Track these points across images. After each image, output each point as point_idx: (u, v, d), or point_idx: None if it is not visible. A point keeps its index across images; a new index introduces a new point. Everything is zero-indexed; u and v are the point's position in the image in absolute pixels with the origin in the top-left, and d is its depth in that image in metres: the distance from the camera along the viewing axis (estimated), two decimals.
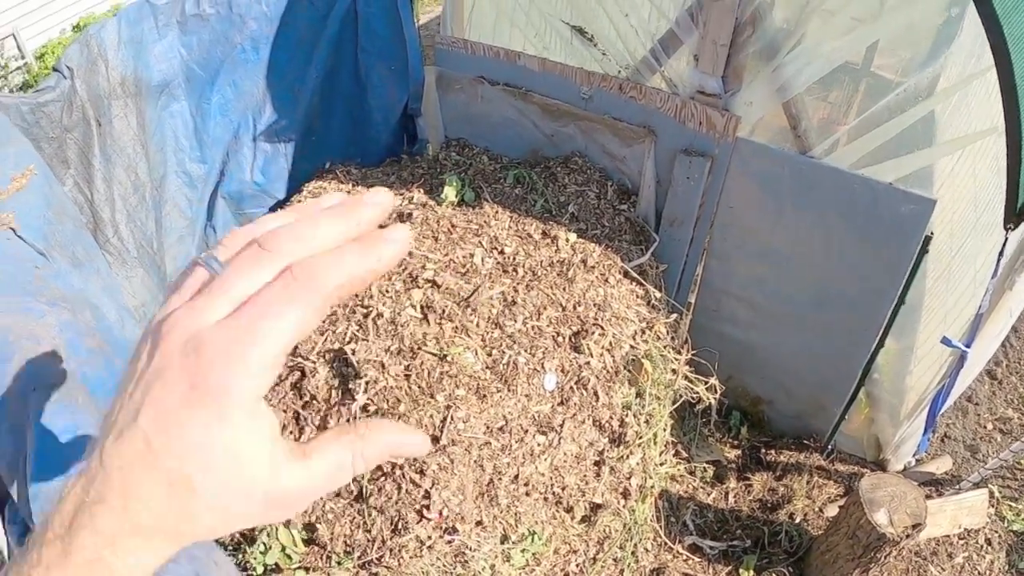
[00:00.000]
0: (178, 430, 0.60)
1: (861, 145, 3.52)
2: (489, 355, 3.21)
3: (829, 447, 4.23)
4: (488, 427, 3.08)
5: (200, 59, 4.30)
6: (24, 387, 2.10)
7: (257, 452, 0.63)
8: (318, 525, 3.19)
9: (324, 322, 3.42)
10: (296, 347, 3.40)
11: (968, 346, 3.41)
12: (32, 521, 1.91)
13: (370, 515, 3.09)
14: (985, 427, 4.72)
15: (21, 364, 2.17)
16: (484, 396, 3.11)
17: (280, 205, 4.48)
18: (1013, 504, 4.24)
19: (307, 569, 3.17)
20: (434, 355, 3.14)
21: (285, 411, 3.34)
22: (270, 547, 3.23)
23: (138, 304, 3.88)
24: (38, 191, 3.18)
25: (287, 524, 3.24)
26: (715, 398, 3.72)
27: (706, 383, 3.71)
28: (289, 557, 3.24)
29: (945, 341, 3.47)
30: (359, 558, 3.07)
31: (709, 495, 3.99)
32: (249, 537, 3.29)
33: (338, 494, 3.19)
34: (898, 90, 3.60)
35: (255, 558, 3.19)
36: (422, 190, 3.97)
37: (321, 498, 3.23)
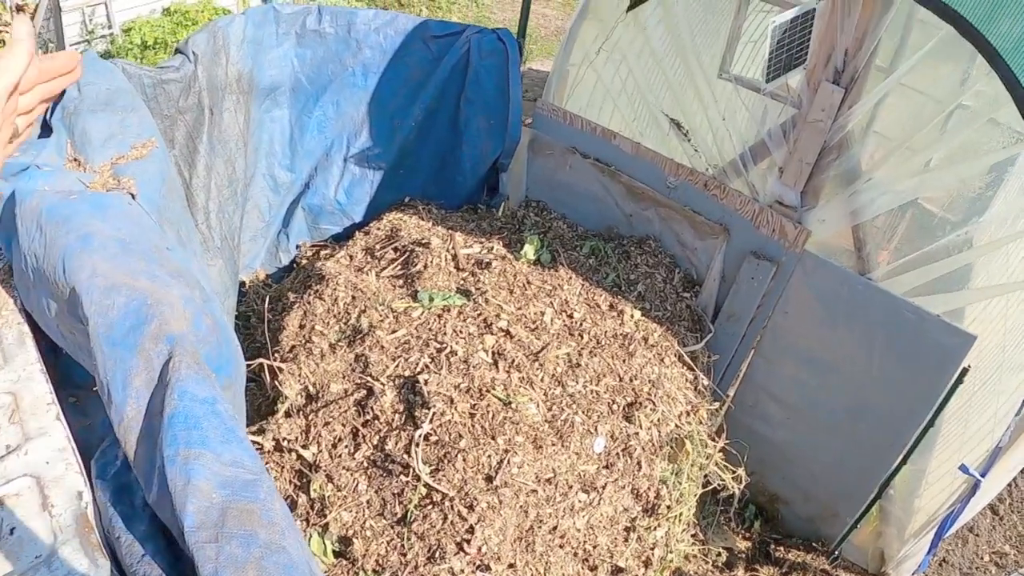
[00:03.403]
0: None
1: (915, 277, 3.76)
2: (549, 410, 3.41)
3: (836, 553, 4.40)
4: (538, 476, 3.27)
5: (310, 73, 4.54)
6: (162, 351, 2.18)
7: None
8: (354, 540, 3.33)
9: (397, 348, 3.61)
10: (367, 365, 3.58)
11: (983, 476, 3.60)
12: (143, 481, 1.99)
13: (409, 539, 3.24)
14: (982, 558, 4.89)
15: (160, 329, 2.24)
16: (540, 447, 3.30)
17: (356, 228, 4.69)
18: None
19: None
20: (500, 400, 3.34)
21: (344, 425, 3.52)
22: None
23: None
24: (156, 164, 3.25)
25: (323, 533, 3.39)
26: (740, 488, 3.91)
27: (734, 473, 3.90)
28: None
29: (963, 468, 3.67)
30: None
31: None
32: None
33: (381, 514, 3.35)
34: (957, 232, 3.85)
35: None
36: (501, 243, 4.20)
37: (364, 514, 3.38)
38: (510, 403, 3.32)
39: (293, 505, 3.50)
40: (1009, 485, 5.40)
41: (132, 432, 2.12)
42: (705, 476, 3.80)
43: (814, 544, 4.44)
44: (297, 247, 4.86)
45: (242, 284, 4.74)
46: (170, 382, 2.12)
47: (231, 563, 1.80)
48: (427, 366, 3.45)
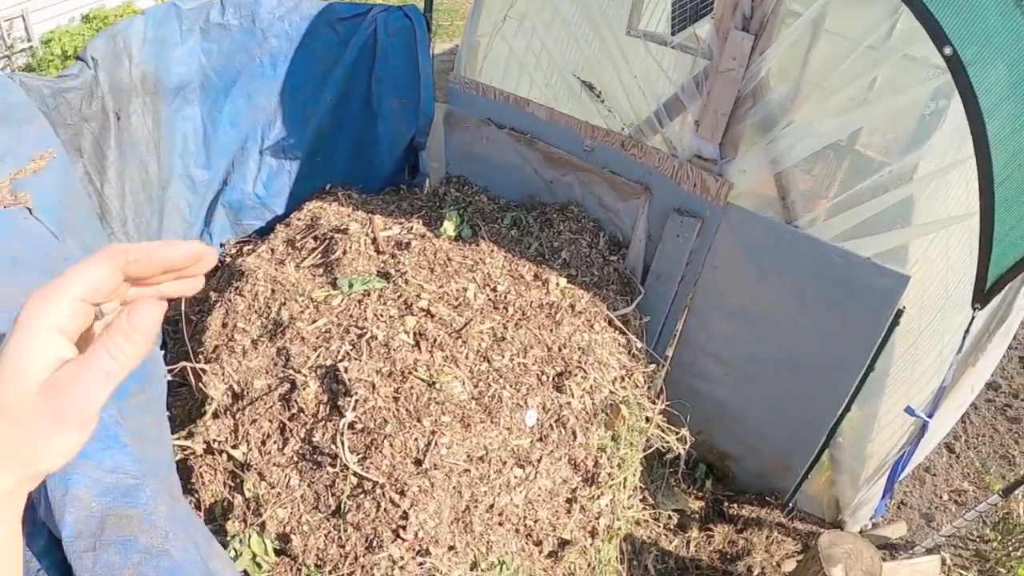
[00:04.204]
0: None
1: (843, 220, 3.71)
2: (476, 386, 3.33)
3: (790, 505, 4.38)
4: (469, 455, 3.19)
5: (218, 67, 4.41)
6: None
7: None
8: (292, 536, 3.26)
9: (317, 338, 3.52)
10: (288, 359, 3.49)
11: (930, 416, 3.57)
12: (37, 496, 1.94)
13: (346, 531, 3.17)
14: (941, 497, 4.90)
15: None
16: (468, 425, 3.22)
17: (279, 220, 4.58)
18: (964, 572, 4.41)
19: None
20: (423, 381, 3.26)
21: (271, 421, 3.44)
22: (240, 554, 3.28)
23: None
24: (55, 175, 3.15)
25: (260, 532, 3.31)
26: (684, 449, 3.85)
27: (677, 434, 3.84)
28: (259, 566, 3.29)
29: (909, 411, 3.64)
30: (330, 572, 3.14)
31: (671, 542, 4.12)
32: (220, 543, 3.35)
33: (316, 507, 3.28)
34: (882, 172, 3.80)
35: None
36: (421, 221, 4.11)
37: (299, 509, 3.30)
38: (434, 383, 3.24)
39: (230, 506, 3.41)
40: (963, 422, 5.42)
41: None
42: (647, 439, 3.74)
43: (768, 498, 4.41)
44: (221, 245, 4.74)
45: None
46: None
47: (108, 571, 1.74)
48: (348, 353, 3.36)
